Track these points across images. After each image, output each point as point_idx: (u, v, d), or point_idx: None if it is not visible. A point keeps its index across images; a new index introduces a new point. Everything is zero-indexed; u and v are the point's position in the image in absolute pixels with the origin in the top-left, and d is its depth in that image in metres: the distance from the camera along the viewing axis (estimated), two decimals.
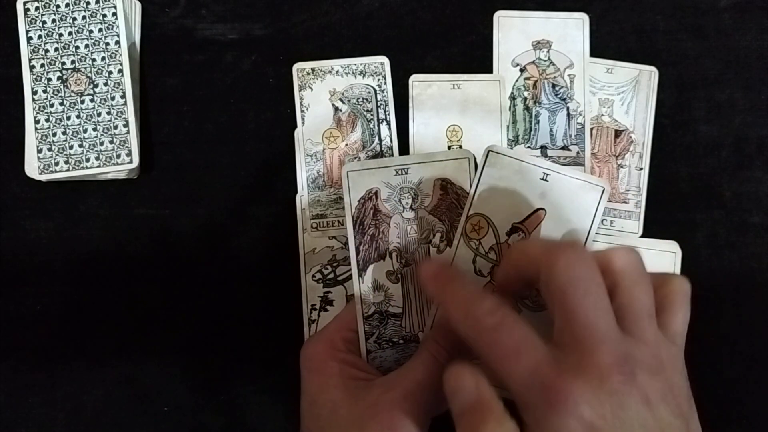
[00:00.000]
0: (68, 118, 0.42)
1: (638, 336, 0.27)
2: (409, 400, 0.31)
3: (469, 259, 0.34)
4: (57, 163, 0.42)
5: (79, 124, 0.42)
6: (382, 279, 0.35)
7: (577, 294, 0.26)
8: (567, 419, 0.25)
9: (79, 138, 0.42)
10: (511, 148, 0.44)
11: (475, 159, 0.36)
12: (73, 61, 0.42)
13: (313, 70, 0.44)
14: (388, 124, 0.44)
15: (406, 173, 0.35)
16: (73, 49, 0.42)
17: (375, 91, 0.44)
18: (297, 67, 0.44)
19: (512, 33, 0.45)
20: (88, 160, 0.42)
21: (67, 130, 0.42)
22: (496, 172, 0.33)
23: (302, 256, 0.42)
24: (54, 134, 0.42)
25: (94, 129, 0.42)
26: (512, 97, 0.44)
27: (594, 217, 0.34)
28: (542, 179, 0.33)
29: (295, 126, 0.44)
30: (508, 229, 0.34)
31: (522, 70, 0.44)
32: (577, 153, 0.44)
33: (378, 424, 0.30)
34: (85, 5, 0.43)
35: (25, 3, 0.42)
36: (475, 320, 0.28)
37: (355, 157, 0.43)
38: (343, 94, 0.44)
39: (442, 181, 0.35)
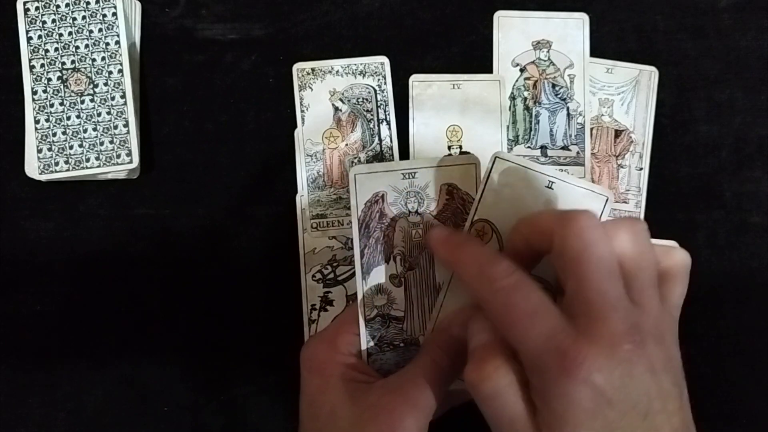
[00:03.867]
0: (68, 118, 0.42)
1: (643, 305, 0.27)
2: (408, 403, 0.31)
3: None
4: (57, 163, 0.42)
5: (79, 124, 0.42)
6: (386, 282, 0.35)
7: (591, 260, 0.27)
8: (579, 386, 0.25)
9: (79, 138, 0.42)
10: (511, 149, 0.44)
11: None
12: (73, 61, 0.42)
13: (313, 70, 0.44)
14: (388, 124, 0.44)
15: (414, 177, 0.35)
16: (73, 49, 0.43)
17: (375, 91, 0.44)
18: (297, 67, 0.44)
19: (512, 33, 0.45)
20: (88, 160, 0.42)
21: (67, 130, 0.42)
22: (502, 179, 0.33)
23: (302, 256, 0.42)
24: (54, 134, 0.42)
25: (94, 129, 0.42)
26: (512, 97, 0.44)
27: None
28: (547, 187, 0.33)
29: (295, 126, 0.44)
30: None
31: (522, 70, 0.44)
32: (577, 153, 0.44)
33: (377, 426, 0.30)
34: (85, 5, 0.43)
35: (25, 3, 0.42)
36: (490, 280, 0.28)
37: (355, 158, 0.43)
38: (343, 94, 0.44)
39: (449, 186, 0.35)
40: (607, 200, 0.34)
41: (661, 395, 0.26)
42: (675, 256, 0.31)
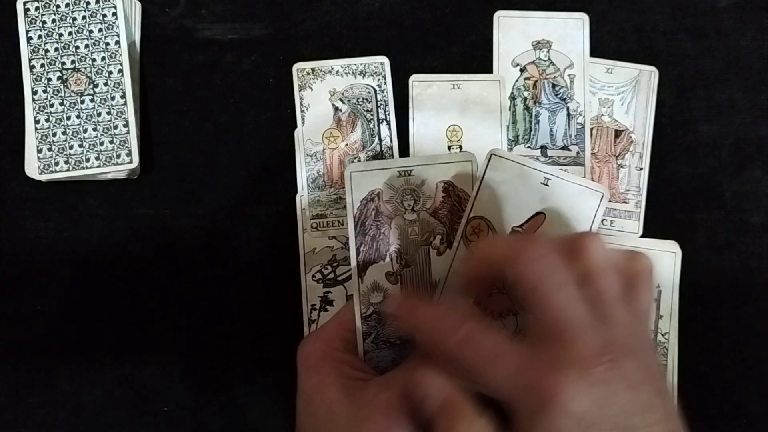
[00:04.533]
0: (68, 118, 0.42)
1: (612, 321, 0.27)
2: (405, 400, 0.31)
3: None
4: (57, 163, 0.42)
5: (79, 124, 0.42)
6: (382, 280, 0.35)
7: (547, 288, 0.27)
8: (559, 418, 0.25)
9: (79, 138, 0.42)
10: (511, 149, 0.44)
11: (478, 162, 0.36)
12: (73, 61, 0.42)
13: (313, 70, 0.44)
14: (388, 124, 0.44)
15: (409, 175, 0.35)
16: (73, 49, 0.43)
17: (375, 91, 0.44)
18: (297, 67, 0.44)
19: (512, 33, 0.45)
20: (88, 160, 0.42)
21: (67, 130, 0.42)
22: (498, 176, 0.34)
23: (302, 256, 0.42)
24: (54, 134, 0.42)
25: (94, 129, 0.42)
26: (512, 97, 0.44)
27: (593, 222, 0.34)
28: (543, 183, 0.34)
29: (295, 126, 0.44)
30: (508, 232, 0.34)
31: (522, 70, 0.44)
32: (577, 153, 0.44)
33: (374, 423, 0.30)
34: (85, 5, 0.43)
35: (25, 3, 0.42)
36: (443, 338, 0.28)
37: (355, 157, 0.43)
38: (343, 94, 0.44)
39: (445, 184, 0.35)
40: (602, 197, 0.34)
41: (642, 409, 0.26)
42: (637, 263, 0.30)
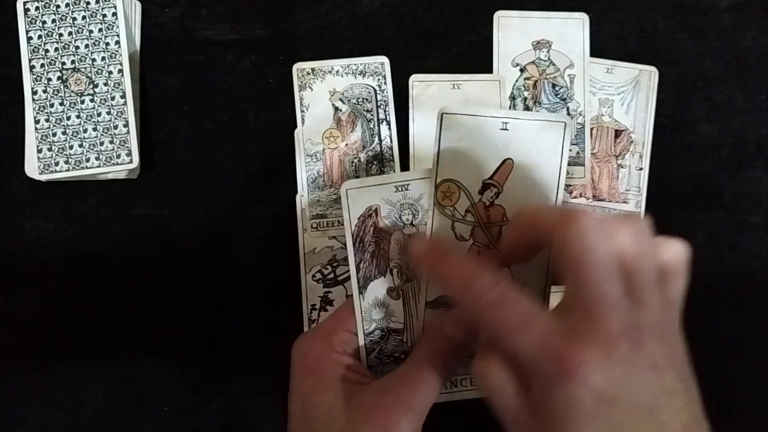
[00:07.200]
0: (68, 118, 0.42)
1: (644, 303, 0.27)
2: (403, 405, 0.31)
3: (447, 226, 0.34)
4: (57, 163, 0.42)
5: (79, 124, 0.42)
6: (383, 296, 0.35)
7: (590, 263, 0.27)
8: (578, 389, 0.25)
9: (79, 138, 0.42)
10: None
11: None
12: (73, 61, 0.42)
13: (313, 70, 0.44)
14: (388, 124, 0.44)
15: (407, 189, 0.35)
16: (73, 49, 0.43)
17: (375, 91, 0.44)
18: (297, 67, 0.44)
19: (512, 33, 0.45)
20: (88, 160, 0.42)
21: (67, 130, 0.42)
22: (454, 134, 0.33)
23: (302, 256, 0.42)
24: (54, 134, 0.42)
25: (94, 129, 0.42)
26: (512, 97, 0.44)
27: (562, 154, 0.33)
28: (502, 129, 0.33)
29: (295, 126, 0.44)
30: (479, 187, 0.33)
31: (522, 70, 0.44)
32: (577, 153, 0.44)
33: (371, 428, 0.30)
34: (85, 5, 0.43)
35: (25, 3, 0.42)
36: (475, 296, 0.28)
37: (355, 158, 0.43)
38: (343, 94, 0.44)
39: None
40: (565, 125, 0.33)
41: (665, 391, 0.26)
42: (672, 249, 0.31)
